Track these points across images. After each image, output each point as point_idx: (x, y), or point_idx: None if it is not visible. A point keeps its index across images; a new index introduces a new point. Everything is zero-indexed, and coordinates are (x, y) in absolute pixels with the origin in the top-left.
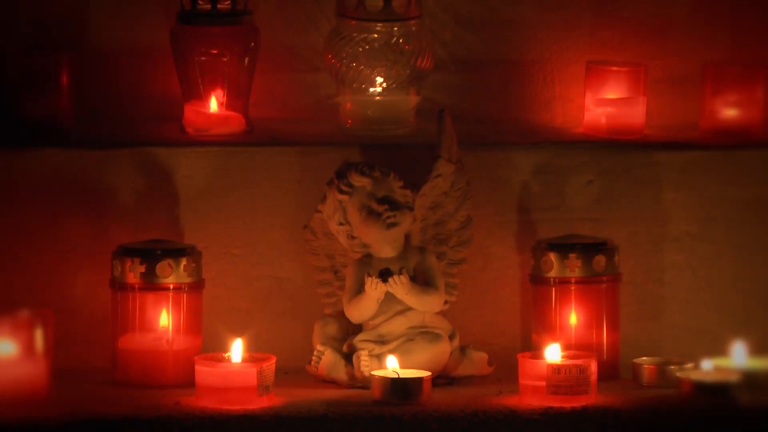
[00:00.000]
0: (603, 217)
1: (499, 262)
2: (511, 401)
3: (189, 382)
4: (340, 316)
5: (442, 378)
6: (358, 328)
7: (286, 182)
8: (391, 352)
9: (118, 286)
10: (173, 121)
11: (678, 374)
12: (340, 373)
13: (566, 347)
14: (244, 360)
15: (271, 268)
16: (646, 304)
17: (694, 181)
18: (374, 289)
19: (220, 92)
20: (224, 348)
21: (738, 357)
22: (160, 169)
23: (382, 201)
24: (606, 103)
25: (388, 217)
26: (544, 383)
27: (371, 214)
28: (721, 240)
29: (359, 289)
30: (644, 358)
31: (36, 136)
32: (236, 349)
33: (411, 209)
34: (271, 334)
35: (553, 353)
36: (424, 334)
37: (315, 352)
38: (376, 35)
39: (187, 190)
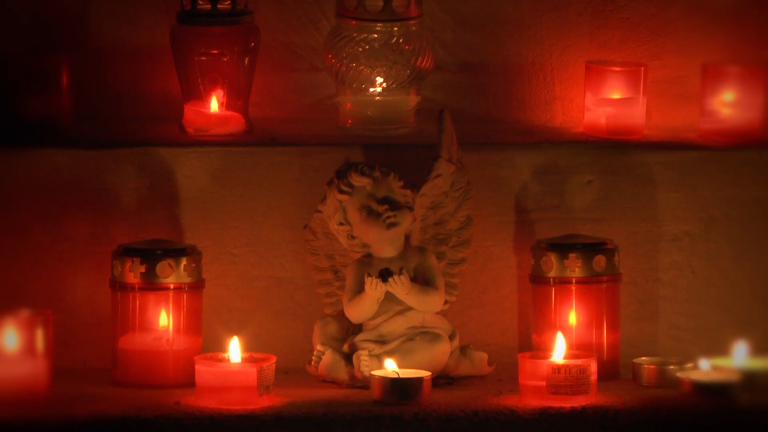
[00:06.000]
0: (603, 217)
1: (499, 262)
2: (511, 401)
3: (189, 382)
4: (340, 316)
5: (442, 378)
6: (358, 328)
7: (286, 182)
8: (391, 352)
9: (118, 286)
10: (173, 121)
11: (678, 374)
12: (340, 373)
13: (566, 347)
14: (243, 359)
15: (271, 268)
16: (646, 304)
17: (693, 181)
18: (374, 289)
19: (220, 92)
20: (224, 348)
21: (737, 357)
22: (160, 169)
23: (382, 201)
24: (606, 103)
25: (388, 217)
26: (544, 383)
27: (371, 214)
28: (721, 240)
29: (359, 289)
30: (644, 358)
31: (36, 136)
32: (233, 348)
33: (411, 209)
34: (271, 334)
35: (559, 345)
36: (424, 334)
37: (315, 352)
38: (376, 35)
39: (187, 190)
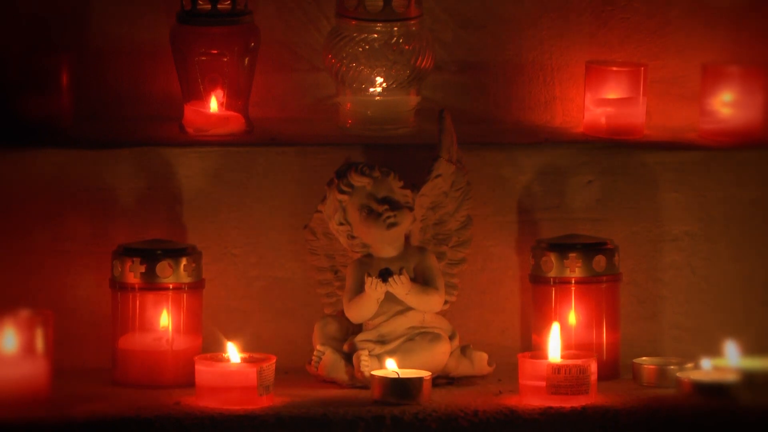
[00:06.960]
0: (603, 217)
1: (499, 262)
2: (511, 401)
3: (189, 382)
4: (340, 316)
5: (442, 378)
6: (358, 328)
7: (286, 182)
8: (391, 352)
9: (118, 286)
10: (173, 121)
11: (678, 374)
12: (340, 373)
13: (566, 347)
14: (243, 359)
15: (271, 268)
16: (646, 304)
17: (693, 181)
18: (374, 289)
19: (220, 92)
20: (224, 348)
21: (734, 357)
22: (160, 169)
23: (382, 201)
24: (606, 103)
25: (388, 217)
26: (544, 383)
27: (371, 214)
28: (721, 240)
29: (359, 289)
30: (644, 358)
31: (36, 136)
32: (232, 352)
33: (411, 209)
34: (271, 334)
35: (554, 342)
36: (424, 334)
37: (315, 352)
38: (376, 35)
39: (187, 190)
